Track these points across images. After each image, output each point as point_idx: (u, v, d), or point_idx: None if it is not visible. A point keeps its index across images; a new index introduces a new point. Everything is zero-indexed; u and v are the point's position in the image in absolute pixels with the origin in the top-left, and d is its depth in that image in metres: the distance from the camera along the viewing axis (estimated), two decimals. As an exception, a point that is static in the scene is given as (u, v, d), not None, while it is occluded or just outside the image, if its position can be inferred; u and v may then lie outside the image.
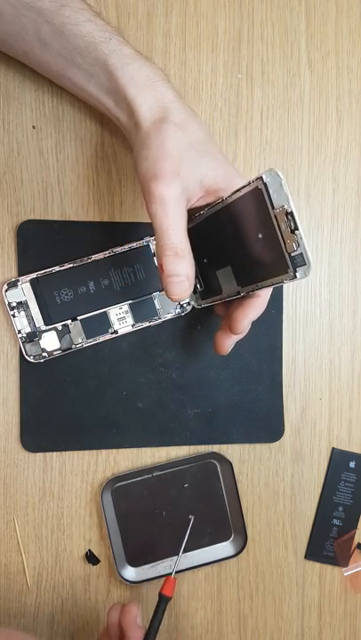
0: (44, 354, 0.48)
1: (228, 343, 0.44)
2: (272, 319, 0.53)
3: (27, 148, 0.49)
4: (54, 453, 0.50)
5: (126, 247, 0.49)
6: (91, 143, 0.50)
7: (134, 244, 0.49)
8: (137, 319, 0.49)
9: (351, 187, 0.54)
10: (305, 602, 0.54)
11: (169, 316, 0.50)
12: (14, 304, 0.48)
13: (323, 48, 0.53)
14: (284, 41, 0.52)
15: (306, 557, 0.54)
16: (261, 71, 0.52)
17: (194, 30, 0.51)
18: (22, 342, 0.48)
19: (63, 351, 0.49)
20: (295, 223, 0.33)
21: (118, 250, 0.49)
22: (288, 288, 0.53)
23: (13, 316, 0.48)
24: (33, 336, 0.48)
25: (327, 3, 0.53)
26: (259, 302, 0.42)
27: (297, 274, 0.34)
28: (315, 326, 0.54)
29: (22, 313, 0.48)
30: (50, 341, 0.48)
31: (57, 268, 0.48)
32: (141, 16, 0.50)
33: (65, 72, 0.43)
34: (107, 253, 0.49)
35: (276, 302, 0.53)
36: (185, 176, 0.39)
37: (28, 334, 0.48)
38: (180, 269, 0.38)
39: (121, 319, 0.49)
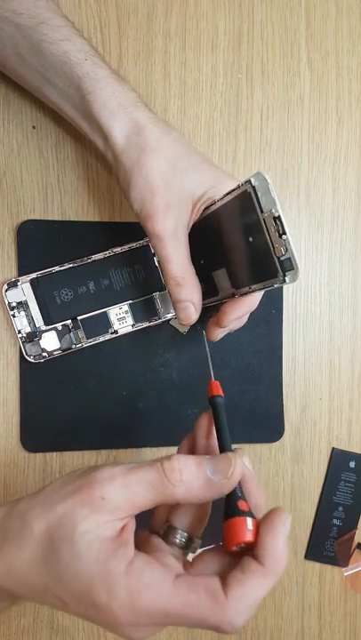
0: (44, 354, 0.48)
1: (217, 332, 0.45)
2: (272, 319, 0.53)
3: (27, 148, 0.49)
4: (54, 453, 0.50)
5: (126, 247, 0.49)
6: (91, 143, 0.50)
7: (134, 244, 0.49)
8: (137, 319, 0.49)
9: (351, 187, 0.54)
10: (305, 602, 0.54)
11: (169, 316, 0.50)
12: (14, 304, 0.48)
13: (323, 48, 0.53)
14: (284, 41, 0.52)
15: (306, 557, 0.54)
16: (261, 71, 0.52)
17: (194, 30, 0.51)
18: (22, 342, 0.48)
19: (63, 351, 0.48)
20: (283, 227, 0.33)
21: (118, 250, 0.49)
22: (288, 288, 0.53)
23: (13, 316, 0.48)
24: (33, 336, 0.48)
25: (327, 3, 0.53)
26: (248, 300, 0.42)
27: (286, 278, 0.34)
28: (315, 326, 0.54)
29: (22, 313, 0.48)
30: (50, 341, 0.48)
31: (57, 268, 0.48)
32: (141, 16, 0.50)
33: (42, 89, 0.43)
34: (107, 253, 0.49)
35: (276, 302, 0.53)
36: (175, 203, 0.40)
37: (27, 334, 0.48)
38: (183, 296, 0.42)
39: (121, 319, 0.49)
